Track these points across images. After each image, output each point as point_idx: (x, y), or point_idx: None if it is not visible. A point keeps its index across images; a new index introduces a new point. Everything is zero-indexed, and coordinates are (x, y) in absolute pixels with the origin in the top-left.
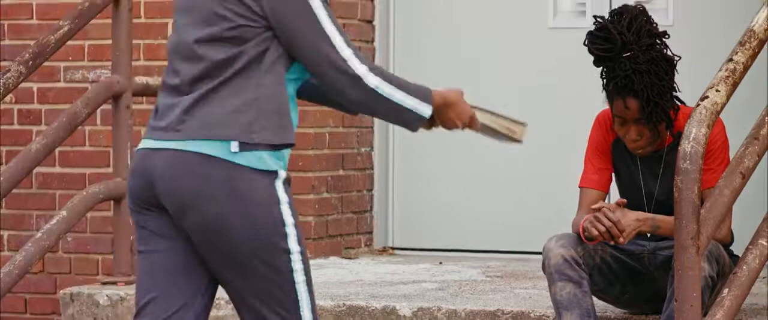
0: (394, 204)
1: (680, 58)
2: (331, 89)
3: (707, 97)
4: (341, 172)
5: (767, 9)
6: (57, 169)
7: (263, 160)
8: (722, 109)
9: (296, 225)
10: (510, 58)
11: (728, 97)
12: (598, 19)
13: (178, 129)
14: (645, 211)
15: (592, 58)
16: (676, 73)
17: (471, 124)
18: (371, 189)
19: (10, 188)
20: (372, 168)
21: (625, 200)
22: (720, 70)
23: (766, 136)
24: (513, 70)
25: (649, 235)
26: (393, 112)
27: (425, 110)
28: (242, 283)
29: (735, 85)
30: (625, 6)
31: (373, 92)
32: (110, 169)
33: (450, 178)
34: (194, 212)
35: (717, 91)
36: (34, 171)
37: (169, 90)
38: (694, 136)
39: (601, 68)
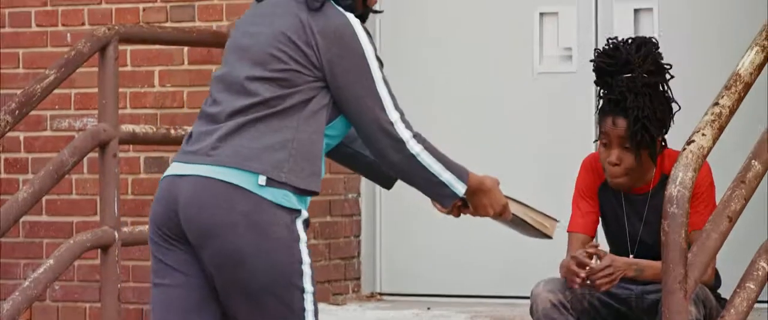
0: (381, 250)
1: (679, 108)
2: (373, 149)
3: (693, 141)
4: (328, 218)
5: (752, 53)
6: (44, 218)
7: (288, 197)
8: (709, 152)
9: (311, 266)
10: (497, 103)
11: (714, 141)
12: (611, 39)
13: (210, 154)
14: (630, 254)
15: (577, 102)
16: (671, 114)
17: (503, 213)
18: (358, 235)
19: None
20: (359, 215)
21: (597, 244)
22: (706, 113)
23: (753, 179)
24: (500, 114)
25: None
26: (428, 183)
27: (460, 188)
28: (253, 317)
29: (721, 129)
30: (641, 36)
31: (413, 158)
32: (97, 218)
33: (437, 223)
34: (214, 241)
35: (703, 134)
36: (22, 219)
37: (207, 118)
38: (680, 180)
39: (598, 87)
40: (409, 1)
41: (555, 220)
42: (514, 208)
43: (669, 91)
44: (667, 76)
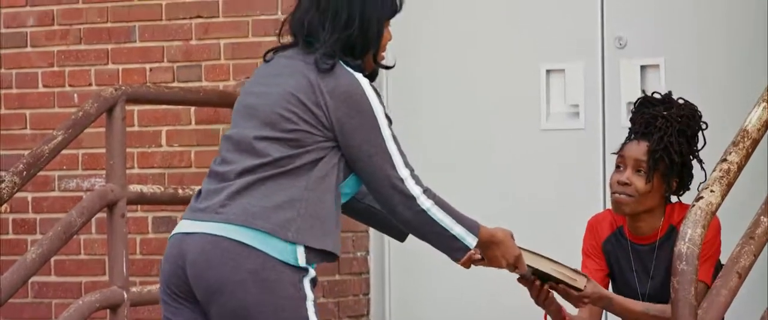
0: (391, 308)
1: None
2: (384, 205)
3: (702, 197)
4: (337, 277)
5: (759, 109)
6: (53, 278)
7: (296, 255)
8: (717, 209)
9: None
10: (504, 160)
11: (723, 197)
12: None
13: (219, 212)
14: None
15: (584, 158)
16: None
17: (517, 264)
18: (367, 294)
19: (7, 298)
20: (368, 273)
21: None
22: (714, 170)
23: (762, 235)
24: (506, 172)
25: None
26: (439, 237)
27: (470, 240)
28: None
29: (730, 185)
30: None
31: (423, 213)
32: (106, 278)
33: (448, 280)
34: (222, 298)
35: (712, 191)
36: (30, 280)
37: (216, 176)
38: (689, 236)
39: (634, 116)
40: (418, 54)
41: (583, 275)
42: (541, 264)
43: (697, 153)
44: (698, 140)
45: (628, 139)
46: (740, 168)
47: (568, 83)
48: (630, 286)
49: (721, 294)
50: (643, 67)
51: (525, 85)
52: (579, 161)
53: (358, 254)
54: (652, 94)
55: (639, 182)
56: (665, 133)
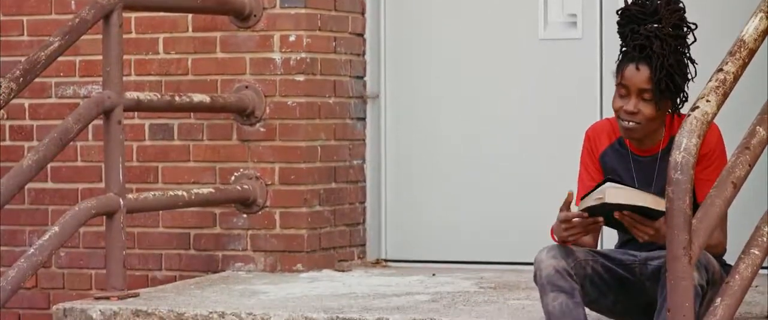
0: (386, 217)
1: (696, 74)
2: None
3: (698, 107)
4: (334, 185)
5: (757, 19)
6: (49, 185)
7: None
8: (713, 118)
9: None
10: (501, 70)
11: (719, 107)
12: None
13: None
14: None
15: (581, 69)
16: (690, 74)
17: None
18: (363, 202)
19: (3, 204)
20: (364, 181)
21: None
22: (710, 80)
23: (757, 145)
24: (504, 82)
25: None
26: None
27: None
28: None
29: (725, 95)
30: None
31: None
32: (102, 184)
33: (442, 190)
34: None
35: (707, 101)
36: (27, 187)
37: None
38: (684, 146)
39: (624, 31)
40: None
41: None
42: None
43: (690, 55)
44: (690, 39)
45: (625, 61)
46: (736, 78)
47: None
48: None
49: (716, 203)
50: None
51: None
52: (576, 71)
53: (355, 162)
54: (633, 3)
55: (646, 109)
56: (664, 56)
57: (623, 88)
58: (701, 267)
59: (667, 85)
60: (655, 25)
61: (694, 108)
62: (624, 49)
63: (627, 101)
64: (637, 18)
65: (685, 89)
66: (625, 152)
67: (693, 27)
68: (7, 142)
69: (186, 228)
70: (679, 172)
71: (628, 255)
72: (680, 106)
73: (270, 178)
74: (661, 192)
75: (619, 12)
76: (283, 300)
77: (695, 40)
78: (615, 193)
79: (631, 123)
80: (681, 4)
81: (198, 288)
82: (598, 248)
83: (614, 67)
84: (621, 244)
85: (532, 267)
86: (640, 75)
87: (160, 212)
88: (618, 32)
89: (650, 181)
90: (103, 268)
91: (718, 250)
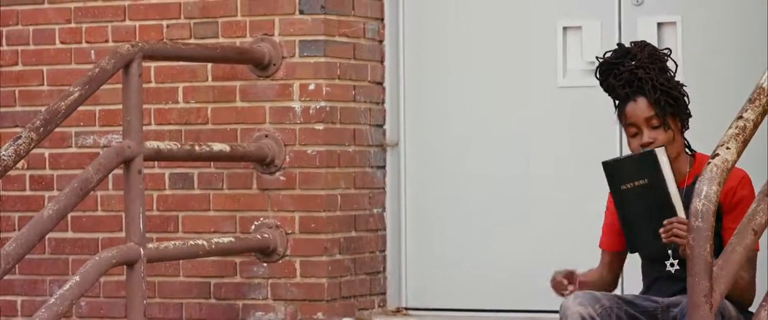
0: (407, 265)
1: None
2: None
3: (718, 154)
4: (354, 234)
5: None
6: (69, 234)
7: None
8: (733, 166)
9: None
10: (520, 118)
11: (739, 154)
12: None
13: None
14: (669, 258)
15: (600, 115)
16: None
17: None
18: (384, 250)
19: (24, 254)
20: (384, 229)
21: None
22: (730, 127)
23: None
24: (523, 130)
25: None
26: None
27: None
28: None
29: (745, 143)
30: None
31: None
32: (122, 234)
33: (463, 238)
34: None
35: (727, 148)
36: (47, 236)
37: None
38: (705, 193)
39: (607, 81)
40: (432, 10)
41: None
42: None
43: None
44: (670, 65)
45: (621, 104)
46: (756, 125)
47: (584, 40)
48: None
49: (737, 251)
50: (659, 24)
51: (542, 43)
52: (595, 118)
53: (374, 211)
54: (604, 54)
55: (660, 135)
56: (653, 79)
57: (632, 127)
58: (717, 314)
59: (667, 102)
60: (633, 62)
61: (714, 155)
62: (615, 97)
63: (640, 137)
64: (614, 64)
65: (686, 102)
66: None
67: (668, 52)
68: (28, 192)
69: (206, 277)
70: (699, 220)
71: (651, 302)
72: (687, 122)
73: (290, 227)
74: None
75: (597, 68)
76: None
77: (677, 66)
78: (664, 159)
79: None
80: (646, 42)
81: None
82: (621, 292)
83: (615, 116)
84: (645, 290)
85: (556, 316)
86: (639, 106)
87: (181, 261)
88: (602, 86)
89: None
90: (123, 318)
91: (746, 295)
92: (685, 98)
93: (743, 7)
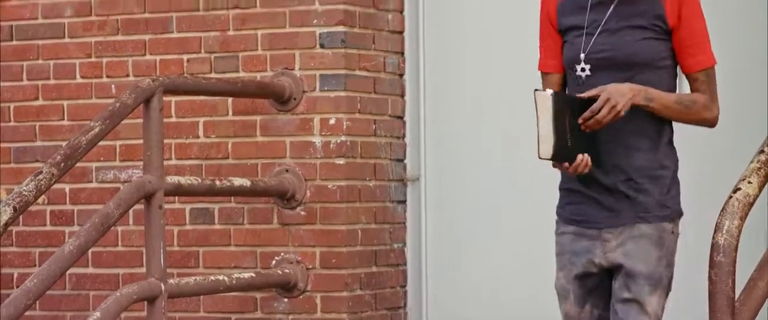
0: (428, 300)
1: None
2: None
3: (739, 188)
4: (374, 269)
5: None
6: (90, 270)
7: None
8: (755, 200)
9: None
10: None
11: (761, 188)
12: None
13: None
14: (581, 63)
15: None
16: None
17: None
18: (405, 285)
19: (44, 290)
20: (405, 264)
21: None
22: (752, 161)
23: None
24: (546, 165)
25: None
26: None
27: None
28: None
29: (767, 177)
30: None
31: None
32: (143, 269)
33: (484, 272)
34: None
35: (749, 182)
36: (68, 272)
37: None
38: (727, 228)
39: None
40: (453, 44)
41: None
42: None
43: None
44: None
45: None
46: None
47: None
48: (577, 43)
49: (759, 286)
50: None
51: None
52: None
53: (395, 246)
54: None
55: None
56: None
57: None
58: None
59: None
60: None
61: (736, 190)
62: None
63: None
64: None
65: None
66: (580, 3)
67: None
68: (48, 227)
69: (227, 312)
70: (721, 255)
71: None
72: None
73: (311, 262)
74: (614, 36)
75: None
76: None
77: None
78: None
79: None
80: None
81: None
82: None
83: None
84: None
85: None
86: None
87: (202, 297)
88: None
89: (598, 23)
90: None
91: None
92: None
93: (743, 7)
